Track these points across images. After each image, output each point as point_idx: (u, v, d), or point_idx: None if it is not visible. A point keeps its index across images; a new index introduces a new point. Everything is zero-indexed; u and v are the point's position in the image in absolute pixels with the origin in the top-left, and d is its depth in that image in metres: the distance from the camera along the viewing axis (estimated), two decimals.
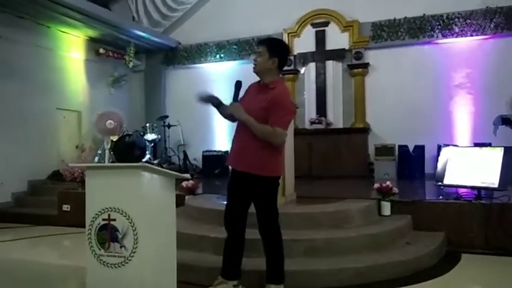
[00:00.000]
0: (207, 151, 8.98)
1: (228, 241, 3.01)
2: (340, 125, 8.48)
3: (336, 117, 8.52)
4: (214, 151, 8.94)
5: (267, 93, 2.83)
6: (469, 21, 7.66)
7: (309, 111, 8.68)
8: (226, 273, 2.99)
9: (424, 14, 7.95)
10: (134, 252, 2.33)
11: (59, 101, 8.13)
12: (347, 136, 8.22)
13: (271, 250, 2.94)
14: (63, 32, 8.26)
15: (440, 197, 4.68)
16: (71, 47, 8.53)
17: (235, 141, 2.97)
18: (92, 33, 8.53)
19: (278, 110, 2.77)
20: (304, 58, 8.81)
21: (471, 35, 7.68)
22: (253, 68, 2.93)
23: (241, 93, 3.00)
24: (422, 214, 4.44)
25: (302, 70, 8.93)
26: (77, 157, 7.75)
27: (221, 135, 9.23)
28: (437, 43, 7.99)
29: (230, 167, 3.07)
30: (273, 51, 2.85)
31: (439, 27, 7.86)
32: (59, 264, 4.28)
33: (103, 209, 2.41)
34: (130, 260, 2.34)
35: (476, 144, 6.59)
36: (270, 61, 2.84)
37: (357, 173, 7.71)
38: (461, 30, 7.72)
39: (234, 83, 2.95)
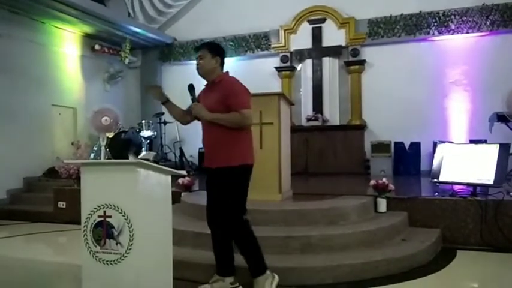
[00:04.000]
0: (202, 148, 8.95)
1: (214, 239, 3.03)
2: (337, 122, 8.49)
3: (332, 114, 8.53)
4: None
5: (216, 88, 2.97)
6: (465, 18, 7.68)
7: (305, 108, 8.68)
8: (220, 270, 3.00)
9: (420, 11, 7.96)
10: (130, 249, 2.32)
11: (54, 97, 8.09)
12: (343, 133, 8.23)
13: (226, 243, 2.95)
14: (58, 27, 8.20)
15: (436, 194, 4.69)
16: (66, 43, 8.48)
17: (205, 143, 3.04)
18: (87, 29, 8.48)
19: (235, 96, 2.88)
20: (301, 55, 8.80)
21: (467, 32, 7.71)
22: (198, 70, 3.03)
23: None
24: (418, 211, 4.45)
25: (298, 67, 8.92)
26: (73, 154, 7.71)
27: None
28: (433, 40, 8.01)
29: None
30: (214, 52, 3.00)
31: (435, 24, 7.87)
32: (54, 261, 4.26)
33: (98, 206, 2.40)
34: (126, 256, 2.33)
35: (471, 141, 6.61)
36: (213, 60, 2.98)
37: (353, 170, 7.73)
38: (458, 27, 7.74)
39: (187, 87, 3.07)
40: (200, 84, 3.13)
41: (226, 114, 2.85)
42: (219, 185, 2.92)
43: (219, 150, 2.91)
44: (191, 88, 3.05)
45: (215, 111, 2.88)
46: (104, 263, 2.37)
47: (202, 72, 3.01)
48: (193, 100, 3.01)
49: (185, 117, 3.19)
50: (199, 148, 9.01)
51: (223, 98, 2.87)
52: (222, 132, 2.88)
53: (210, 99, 2.96)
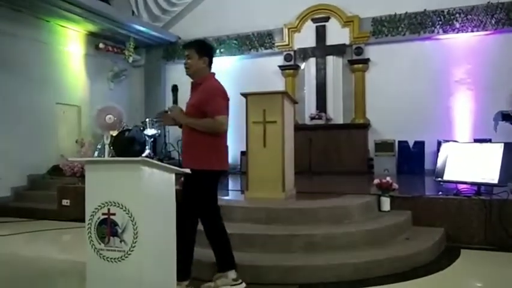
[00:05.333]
0: None
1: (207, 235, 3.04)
2: (340, 121, 8.48)
3: (336, 112, 8.51)
4: None
5: (197, 90, 3.01)
6: (470, 16, 7.64)
7: (309, 106, 8.67)
8: (219, 265, 3.03)
9: (425, 10, 7.93)
10: (134, 247, 2.33)
11: (58, 95, 8.12)
12: (347, 132, 8.23)
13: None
14: (62, 26, 8.23)
15: (440, 193, 4.67)
16: (71, 42, 8.50)
17: (182, 142, 3.06)
18: (91, 27, 8.51)
19: (211, 102, 2.89)
20: (305, 53, 8.79)
21: (472, 31, 7.67)
22: (186, 71, 3.04)
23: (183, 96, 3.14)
24: (422, 210, 4.44)
25: (302, 65, 8.91)
26: (77, 152, 7.74)
27: None
28: (438, 39, 7.98)
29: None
30: (202, 52, 3.01)
31: (440, 22, 7.84)
32: (58, 259, 4.28)
33: (103, 204, 2.40)
34: (130, 254, 2.33)
35: (476, 140, 6.59)
36: (200, 61, 3.00)
37: (357, 169, 7.72)
38: (462, 26, 7.70)
39: (171, 87, 3.14)
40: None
41: (201, 120, 2.88)
42: (184, 184, 2.96)
43: (188, 151, 2.96)
44: (174, 89, 3.09)
45: (189, 115, 2.92)
46: (108, 261, 2.37)
47: (189, 72, 3.05)
48: (174, 102, 3.05)
49: None
50: None
51: (199, 103, 2.91)
52: (194, 135, 2.91)
53: (190, 101, 3.02)
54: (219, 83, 3.04)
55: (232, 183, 6.77)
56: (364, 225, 3.90)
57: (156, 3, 9.71)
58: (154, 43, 9.80)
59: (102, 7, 8.13)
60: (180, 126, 3.09)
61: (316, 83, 8.68)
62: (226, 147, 3.09)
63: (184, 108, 3.03)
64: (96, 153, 7.78)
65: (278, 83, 8.71)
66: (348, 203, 4.27)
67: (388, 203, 4.45)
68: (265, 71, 8.91)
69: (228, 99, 3.04)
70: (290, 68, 8.90)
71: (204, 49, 3.04)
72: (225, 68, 9.13)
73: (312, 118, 8.46)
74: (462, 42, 7.82)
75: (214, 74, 3.09)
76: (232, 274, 2.99)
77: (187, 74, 3.06)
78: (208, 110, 2.88)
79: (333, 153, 8.06)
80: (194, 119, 2.91)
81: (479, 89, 7.64)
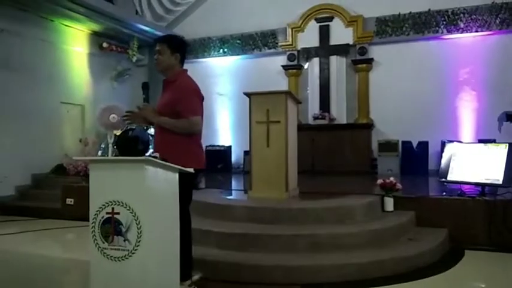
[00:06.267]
0: (210, 146, 8.97)
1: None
2: (344, 121, 8.47)
3: (340, 112, 8.50)
4: (217, 146, 8.95)
5: (170, 88, 2.91)
6: (474, 16, 7.61)
7: (312, 106, 8.66)
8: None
9: (429, 9, 7.91)
10: (138, 246, 2.33)
11: (62, 95, 8.14)
12: (350, 132, 8.21)
13: None
14: (66, 25, 8.25)
15: (444, 193, 4.66)
16: (75, 41, 8.53)
17: (154, 142, 2.99)
18: (95, 27, 8.53)
19: (185, 101, 2.82)
20: (308, 53, 8.78)
21: (476, 31, 7.64)
22: (157, 67, 2.96)
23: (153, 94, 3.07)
24: (426, 210, 4.42)
25: (306, 65, 8.90)
26: (81, 151, 7.76)
27: (224, 130, 9.23)
28: (442, 39, 7.95)
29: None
30: (174, 48, 2.92)
31: (444, 22, 7.81)
32: (62, 258, 4.30)
33: (107, 203, 2.40)
34: (134, 253, 2.34)
35: (480, 141, 6.56)
36: (172, 57, 2.91)
37: (360, 169, 7.71)
38: (467, 26, 7.67)
39: (141, 85, 3.05)
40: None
41: (174, 120, 2.80)
42: None
43: (160, 151, 2.78)
44: (144, 87, 3.01)
45: (163, 114, 2.84)
46: (111, 259, 2.38)
47: (160, 68, 2.95)
48: (144, 100, 2.97)
49: None
50: (206, 146, 9.03)
51: (172, 102, 2.82)
52: (166, 135, 2.84)
53: (162, 100, 2.93)
54: (193, 80, 2.96)
55: (236, 183, 6.78)
56: (368, 226, 3.90)
57: (159, 3, 9.72)
58: None
59: (106, 6, 8.16)
60: (152, 125, 3.02)
61: (319, 83, 8.67)
62: (201, 146, 3.02)
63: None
64: (99, 152, 7.81)
65: (281, 83, 8.70)
66: (352, 203, 4.26)
67: (391, 203, 4.44)
68: (268, 71, 8.91)
69: (202, 98, 2.96)
70: (293, 68, 8.89)
71: (176, 45, 2.94)
72: (229, 68, 9.16)
73: (315, 118, 8.45)
74: (466, 42, 7.79)
75: (186, 70, 3.00)
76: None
77: (157, 70, 2.97)
78: (182, 110, 2.79)
79: (336, 153, 8.04)
80: (167, 119, 2.82)
81: (484, 89, 7.61)
